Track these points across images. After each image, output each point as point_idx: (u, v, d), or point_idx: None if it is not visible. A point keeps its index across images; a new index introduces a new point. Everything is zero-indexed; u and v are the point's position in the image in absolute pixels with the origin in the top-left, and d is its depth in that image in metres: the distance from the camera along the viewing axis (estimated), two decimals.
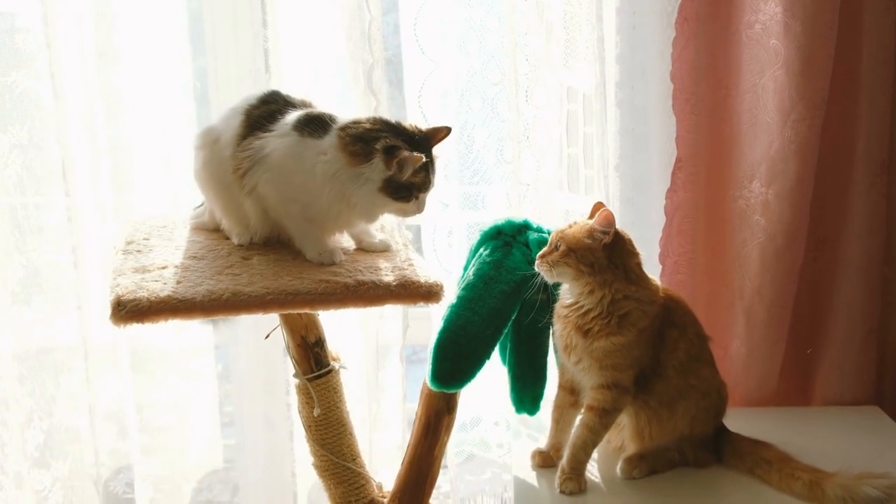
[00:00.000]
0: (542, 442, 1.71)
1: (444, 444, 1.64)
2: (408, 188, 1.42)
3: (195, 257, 1.48)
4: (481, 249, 1.66)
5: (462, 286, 1.60)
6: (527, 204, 1.98)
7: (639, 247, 1.87)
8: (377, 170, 1.39)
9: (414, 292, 1.40)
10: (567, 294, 1.56)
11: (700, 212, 1.93)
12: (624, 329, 1.50)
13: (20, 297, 1.99)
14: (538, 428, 1.77)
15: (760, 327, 1.94)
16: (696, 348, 1.60)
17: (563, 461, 1.57)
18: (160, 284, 1.35)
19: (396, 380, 2.04)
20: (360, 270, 1.43)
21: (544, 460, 1.67)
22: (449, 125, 1.50)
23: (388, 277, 1.41)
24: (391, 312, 2.01)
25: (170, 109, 2.01)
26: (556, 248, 1.51)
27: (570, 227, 1.54)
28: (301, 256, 1.47)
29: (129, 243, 1.55)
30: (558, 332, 1.58)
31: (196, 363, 2.12)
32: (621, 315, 1.50)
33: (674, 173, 1.91)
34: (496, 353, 1.65)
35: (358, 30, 1.88)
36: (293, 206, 1.45)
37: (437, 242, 2.04)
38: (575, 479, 1.55)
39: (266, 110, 1.49)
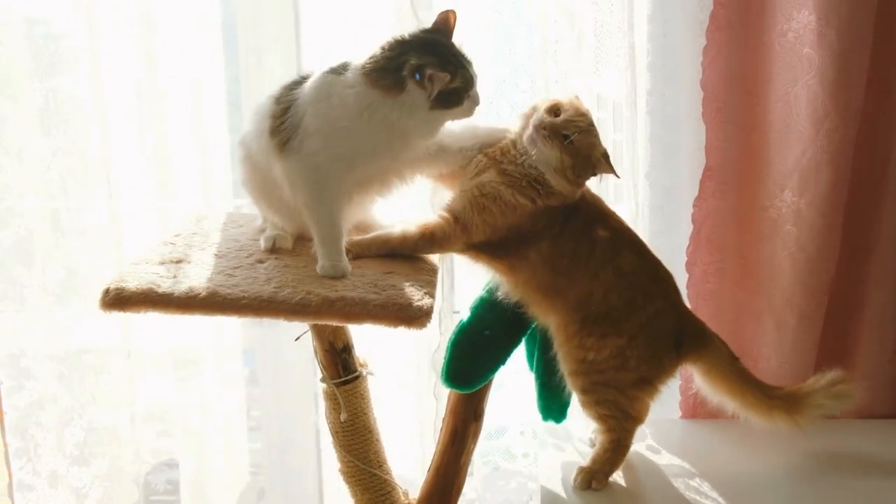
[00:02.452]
0: (569, 451, 1.71)
1: (471, 452, 1.65)
2: (456, 93, 1.41)
3: (217, 255, 1.50)
4: None
5: (486, 288, 1.62)
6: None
7: (668, 255, 1.90)
8: (417, 94, 1.38)
9: (393, 315, 1.34)
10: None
11: (730, 221, 1.92)
12: (519, 191, 1.46)
13: (61, 299, 2.05)
14: (565, 438, 1.78)
15: (790, 338, 1.92)
16: (569, 240, 1.51)
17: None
18: (155, 276, 1.38)
19: None
20: (355, 284, 1.39)
21: None
22: (451, 8, 1.46)
23: (373, 294, 1.37)
24: None
25: (206, 114, 2.05)
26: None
27: (589, 131, 1.47)
28: (308, 264, 1.46)
29: (175, 235, 1.60)
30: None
31: (226, 367, 2.16)
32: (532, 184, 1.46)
33: (703, 181, 1.90)
34: (522, 360, 1.66)
35: None
36: (338, 167, 1.41)
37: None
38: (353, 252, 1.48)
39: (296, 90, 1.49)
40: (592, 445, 1.70)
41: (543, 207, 1.47)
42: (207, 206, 2.05)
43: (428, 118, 1.41)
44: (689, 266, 1.93)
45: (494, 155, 1.51)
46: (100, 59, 1.97)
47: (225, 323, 2.09)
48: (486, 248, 1.50)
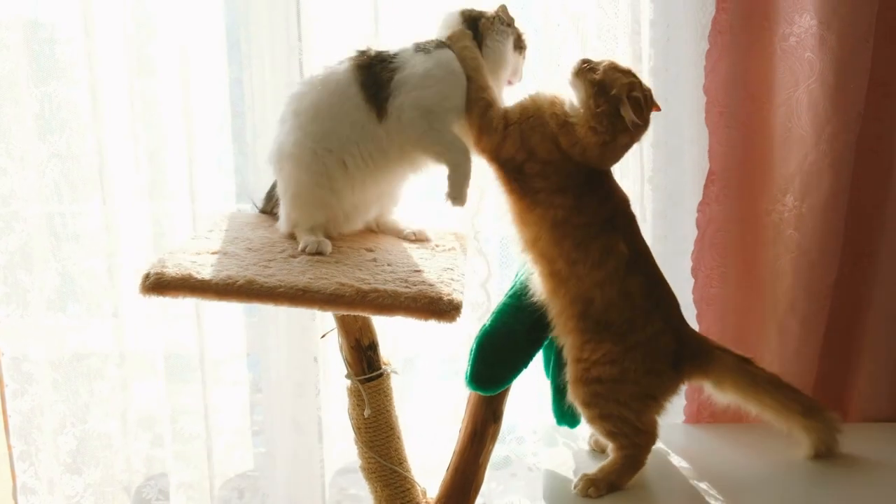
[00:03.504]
0: (577, 452, 1.71)
1: (490, 453, 1.67)
2: (522, 43, 1.67)
3: (250, 249, 1.54)
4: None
5: (509, 293, 1.63)
6: None
7: (672, 259, 1.90)
8: (506, 36, 1.61)
9: (425, 308, 1.38)
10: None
11: (733, 225, 1.92)
12: (557, 123, 1.50)
13: (56, 304, 2.03)
14: (572, 437, 1.77)
15: (794, 342, 1.92)
16: (582, 236, 1.52)
17: None
18: (195, 265, 1.43)
19: None
20: (386, 279, 1.44)
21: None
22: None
23: (404, 288, 1.41)
24: None
25: (206, 119, 2.04)
26: (595, 70, 1.49)
27: (626, 73, 1.50)
28: (340, 261, 1.50)
29: (209, 231, 1.65)
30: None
31: (228, 371, 2.14)
32: (566, 128, 1.50)
33: (706, 186, 1.90)
34: (537, 363, 1.66)
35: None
36: (448, 117, 1.52)
37: (487, 250, 2.04)
38: None
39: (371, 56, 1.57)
40: (592, 449, 1.69)
41: (573, 162, 1.50)
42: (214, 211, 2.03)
43: (511, 58, 1.63)
44: (694, 271, 1.93)
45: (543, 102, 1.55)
46: (96, 63, 1.96)
47: (228, 327, 2.09)
48: (511, 170, 1.52)
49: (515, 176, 1.52)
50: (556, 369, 1.66)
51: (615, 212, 1.55)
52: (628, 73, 1.49)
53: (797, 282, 1.90)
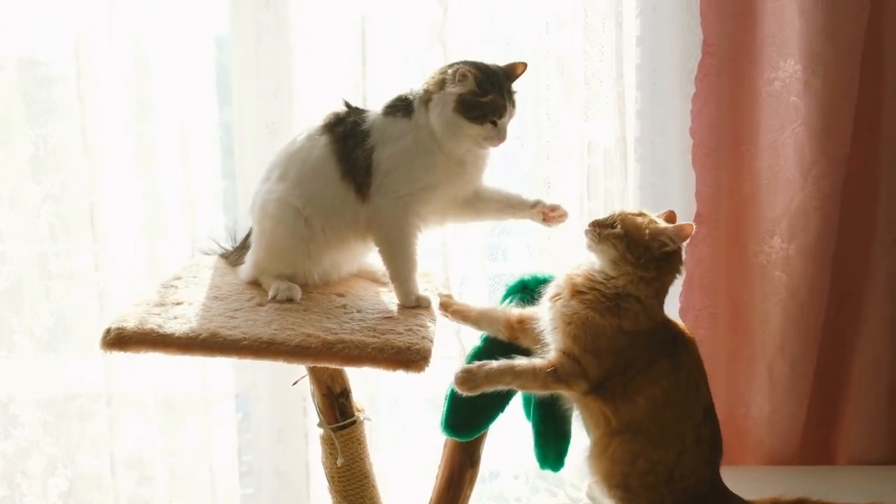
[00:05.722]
0: (560, 497, 1.70)
1: (467, 498, 1.64)
2: (480, 108, 1.47)
3: (217, 297, 1.51)
4: (504, 303, 1.67)
5: (483, 337, 1.61)
6: (548, 256, 1.99)
7: None
8: (450, 91, 1.47)
9: (392, 358, 1.34)
10: (588, 264, 1.49)
11: (721, 267, 1.93)
12: (609, 315, 1.42)
13: (48, 345, 2.02)
14: (556, 482, 1.77)
15: (783, 383, 1.92)
16: (679, 395, 1.47)
17: (476, 362, 1.46)
18: (157, 318, 1.38)
19: None
20: (353, 329, 1.41)
21: None
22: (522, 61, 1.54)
23: (372, 338, 1.37)
24: None
25: (197, 159, 2.05)
26: (613, 226, 1.44)
27: (639, 214, 1.46)
28: (309, 308, 1.48)
29: (175, 278, 1.61)
30: (554, 283, 1.51)
31: (216, 411, 2.13)
32: (619, 304, 1.42)
33: None
34: (517, 407, 1.65)
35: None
36: (426, 197, 1.50)
37: (462, 292, 2.05)
38: (470, 381, 1.42)
39: (347, 125, 1.54)
40: (590, 497, 1.68)
41: (632, 331, 1.43)
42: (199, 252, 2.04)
43: (449, 119, 1.48)
44: (682, 312, 1.93)
45: (572, 284, 1.48)
46: (89, 104, 1.97)
47: (218, 366, 2.08)
48: (614, 382, 1.44)
49: (619, 382, 1.45)
50: (536, 412, 1.65)
51: (695, 358, 1.50)
52: (642, 214, 1.46)
53: (786, 323, 1.91)
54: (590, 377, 1.44)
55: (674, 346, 1.47)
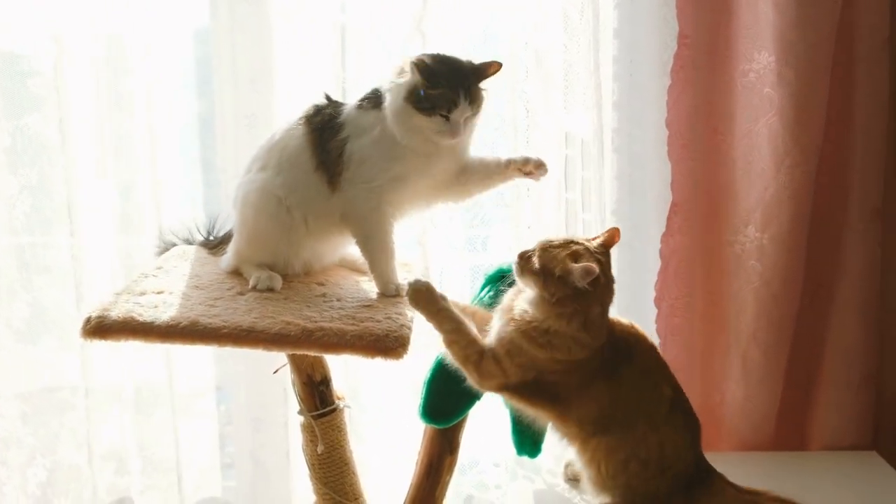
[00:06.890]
0: (539, 483, 1.71)
1: (446, 485, 1.66)
2: (430, 101, 1.46)
3: (197, 287, 1.52)
4: (483, 292, 1.68)
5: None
6: (526, 247, 2.00)
7: (636, 290, 1.92)
8: (407, 82, 1.48)
9: (371, 346, 1.35)
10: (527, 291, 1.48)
11: (696, 256, 1.95)
12: (542, 350, 1.42)
13: (26, 336, 2.02)
14: (534, 469, 1.78)
15: (757, 371, 1.95)
16: (628, 408, 1.48)
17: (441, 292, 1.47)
18: (138, 306, 1.40)
19: None
20: (333, 316, 1.42)
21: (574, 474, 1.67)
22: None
23: (351, 326, 1.39)
24: None
25: (175, 152, 2.05)
26: (531, 259, 1.42)
27: (562, 245, 1.43)
28: (289, 297, 1.49)
29: (157, 268, 1.62)
30: (507, 296, 1.51)
31: (197, 404, 2.14)
32: (550, 341, 1.42)
33: (670, 217, 1.93)
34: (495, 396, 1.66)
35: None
36: (396, 187, 1.51)
37: (443, 284, 2.06)
38: (421, 300, 1.44)
39: (324, 116, 1.56)
40: (567, 480, 1.70)
41: (567, 360, 1.43)
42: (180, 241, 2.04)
43: (398, 108, 1.48)
44: (658, 301, 1.95)
45: (511, 311, 1.47)
46: (66, 96, 1.97)
47: (198, 359, 2.09)
48: (530, 389, 1.47)
49: (536, 390, 1.47)
50: None
51: (649, 362, 1.52)
52: (565, 245, 1.43)
53: (760, 312, 1.93)
54: (508, 384, 1.46)
55: (614, 365, 1.46)
